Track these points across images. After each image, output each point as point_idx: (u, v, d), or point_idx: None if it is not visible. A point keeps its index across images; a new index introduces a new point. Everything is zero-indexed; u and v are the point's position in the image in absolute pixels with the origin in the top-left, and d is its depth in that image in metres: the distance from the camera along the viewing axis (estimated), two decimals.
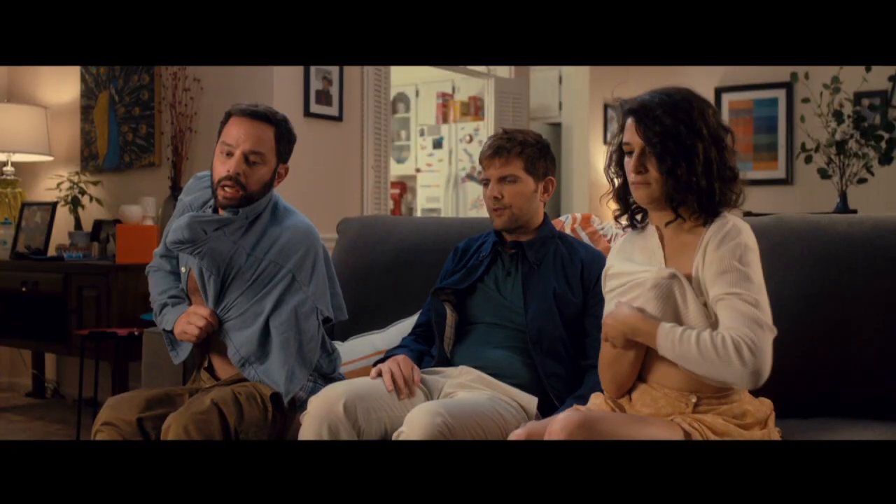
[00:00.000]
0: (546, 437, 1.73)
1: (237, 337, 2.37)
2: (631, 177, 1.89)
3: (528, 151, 2.37)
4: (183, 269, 2.49)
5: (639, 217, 2.02)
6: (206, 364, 2.51)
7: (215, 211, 2.44)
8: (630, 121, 1.89)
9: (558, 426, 1.70)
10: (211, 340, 2.46)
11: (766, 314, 1.77)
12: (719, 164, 1.85)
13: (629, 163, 1.89)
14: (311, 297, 2.39)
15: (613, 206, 2.04)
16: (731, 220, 1.86)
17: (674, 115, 1.83)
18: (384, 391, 2.15)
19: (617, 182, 2.01)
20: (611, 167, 2.00)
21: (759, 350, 1.72)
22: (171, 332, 2.44)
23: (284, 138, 2.39)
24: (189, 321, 2.37)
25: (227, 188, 2.32)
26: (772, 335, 1.76)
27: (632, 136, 1.88)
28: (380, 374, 2.23)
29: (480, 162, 2.44)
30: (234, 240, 2.35)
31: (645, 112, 1.85)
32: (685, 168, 1.82)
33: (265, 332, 2.35)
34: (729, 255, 1.80)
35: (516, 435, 1.84)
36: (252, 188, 2.34)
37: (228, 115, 2.38)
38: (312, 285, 2.41)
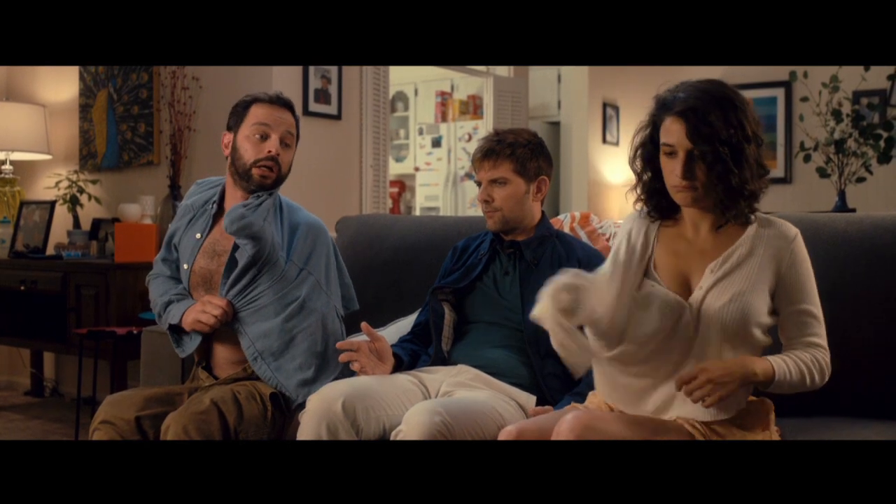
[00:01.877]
0: (554, 437, 1.72)
1: (253, 330, 2.38)
2: (674, 180, 1.82)
3: (519, 153, 2.36)
4: (185, 266, 2.49)
5: (664, 205, 1.94)
6: (204, 363, 2.51)
7: (220, 207, 2.49)
8: (673, 121, 1.80)
9: (566, 427, 1.70)
10: (213, 337, 2.46)
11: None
12: (758, 163, 1.82)
13: (671, 164, 1.82)
14: (331, 298, 2.46)
15: (634, 196, 1.97)
16: (792, 227, 1.88)
17: (723, 117, 1.77)
18: (383, 390, 2.15)
19: (644, 177, 1.93)
20: (636, 161, 1.93)
21: (827, 347, 1.89)
22: (178, 324, 2.44)
23: (298, 127, 2.49)
24: (205, 310, 2.37)
25: (264, 167, 2.38)
26: None
27: (678, 139, 1.79)
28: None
29: (472, 164, 2.44)
30: (272, 230, 2.39)
31: (695, 115, 1.77)
32: (738, 174, 1.78)
33: (285, 331, 2.37)
34: (803, 268, 1.86)
35: (507, 432, 1.84)
36: (284, 170, 2.44)
37: (250, 103, 2.43)
38: (331, 286, 2.48)
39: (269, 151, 2.38)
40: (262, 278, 2.39)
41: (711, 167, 1.78)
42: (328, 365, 2.40)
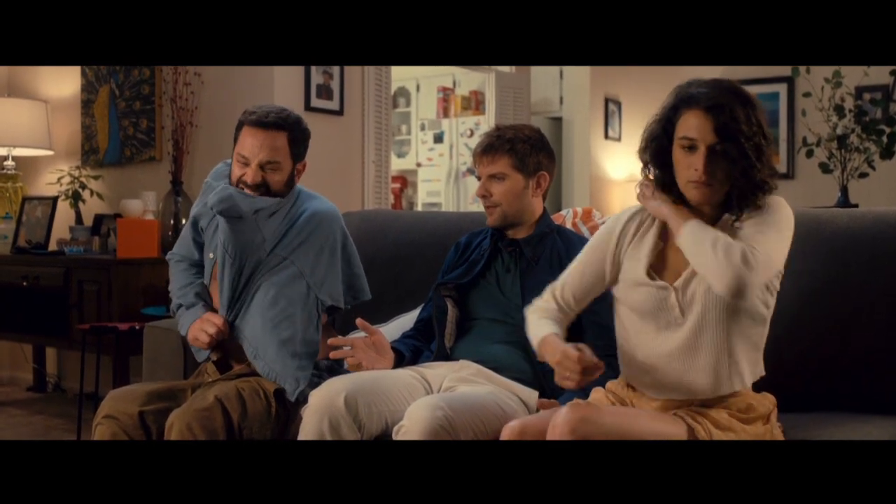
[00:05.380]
0: (549, 432, 1.73)
1: (248, 328, 2.40)
2: (692, 175, 1.81)
3: (518, 148, 2.36)
4: (211, 256, 2.50)
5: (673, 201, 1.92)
6: (216, 357, 2.51)
7: None
8: (694, 115, 1.80)
9: (562, 420, 1.70)
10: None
11: (776, 264, 1.80)
12: (769, 159, 1.83)
13: (689, 159, 1.81)
14: (313, 288, 2.43)
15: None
16: (778, 199, 1.87)
17: (748, 115, 1.79)
18: (385, 385, 2.16)
19: (656, 171, 1.91)
20: (647, 151, 1.91)
21: (757, 267, 1.73)
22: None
23: (298, 140, 2.44)
24: (202, 328, 2.40)
25: (246, 190, 2.39)
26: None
27: (701, 134, 1.79)
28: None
29: (473, 159, 2.45)
30: (261, 228, 2.40)
31: (722, 111, 1.77)
32: (760, 170, 1.79)
33: (269, 320, 2.38)
34: (767, 217, 1.82)
35: (510, 428, 1.84)
36: (274, 188, 2.41)
37: (241, 124, 2.41)
38: (316, 275, 2.44)
39: (245, 179, 2.38)
40: (252, 279, 2.41)
41: (735, 162, 1.78)
42: (308, 351, 2.39)
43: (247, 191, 2.38)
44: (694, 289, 1.84)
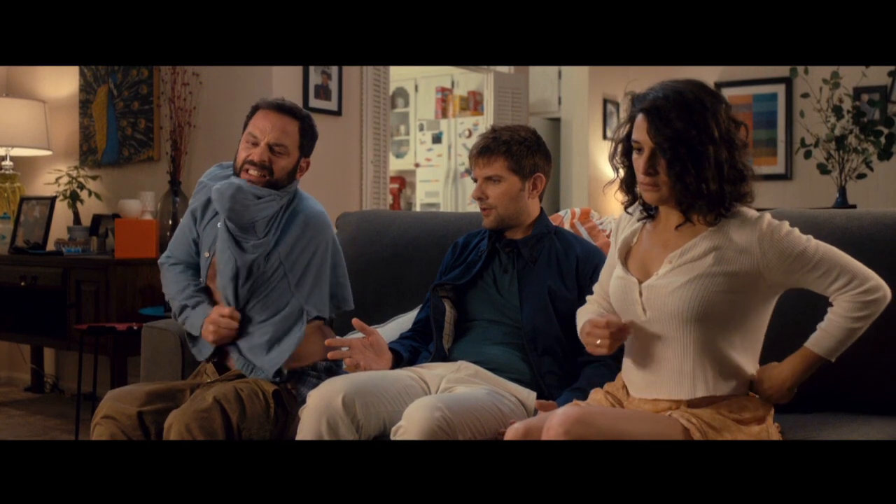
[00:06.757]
0: (544, 432, 1.73)
1: (243, 330, 2.41)
2: (640, 177, 1.86)
3: (514, 150, 2.35)
4: (206, 254, 2.50)
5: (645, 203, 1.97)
6: (216, 358, 2.51)
7: None
8: (641, 118, 1.84)
9: (557, 421, 1.71)
10: None
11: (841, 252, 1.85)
12: (730, 166, 1.81)
13: (638, 161, 1.86)
14: (300, 300, 2.45)
15: (621, 197, 2.00)
16: (754, 212, 1.85)
17: (686, 118, 1.79)
18: (383, 386, 2.15)
19: (622, 172, 1.97)
20: (616, 157, 1.96)
21: (873, 275, 1.82)
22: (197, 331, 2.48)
23: (308, 133, 2.50)
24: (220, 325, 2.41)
25: (251, 171, 2.42)
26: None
27: (642, 136, 1.83)
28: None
29: (469, 161, 2.45)
30: (264, 234, 2.42)
31: (657, 114, 1.80)
32: (694, 175, 1.79)
33: (261, 332, 2.40)
34: (783, 237, 1.81)
35: (514, 429, 1.84)
36: (277, 175, 2.45)
37: (256, 108, 2.48)
38: (304, 287, 2.46)
39: (252, 157, 2.42)
40: (251, 280, 2.42)
41: (671, 166, 1.80)
42: (300, 364, 2.42)
43: (251, 170, 2.42)
44: (657, 291, 1.86)
